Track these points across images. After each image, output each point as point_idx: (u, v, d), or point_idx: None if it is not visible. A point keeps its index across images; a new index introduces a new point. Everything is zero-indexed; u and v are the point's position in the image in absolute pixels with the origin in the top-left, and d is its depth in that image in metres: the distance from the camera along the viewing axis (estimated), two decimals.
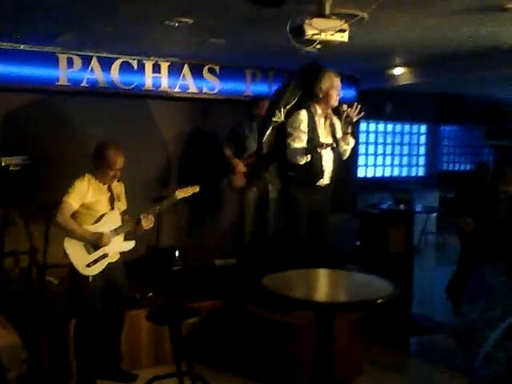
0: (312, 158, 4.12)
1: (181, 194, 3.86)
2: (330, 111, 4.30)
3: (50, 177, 4.99)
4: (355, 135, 4.49)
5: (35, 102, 5.32)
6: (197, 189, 3.94)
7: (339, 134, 4.28)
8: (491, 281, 1.48)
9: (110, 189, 3.70)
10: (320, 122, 4.25)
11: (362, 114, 4.14)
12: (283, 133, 4.25)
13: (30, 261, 4.68)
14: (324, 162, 4.21)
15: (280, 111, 4.31)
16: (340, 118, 4.25)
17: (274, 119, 4.33)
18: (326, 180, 4.27)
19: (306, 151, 4.08)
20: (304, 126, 4.14)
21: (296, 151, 4.10)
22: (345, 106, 4.15)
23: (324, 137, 4.24)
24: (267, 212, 5.37)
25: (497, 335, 1.40)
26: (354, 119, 4.14)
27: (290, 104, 4.31)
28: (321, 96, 4.18)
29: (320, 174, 4.21)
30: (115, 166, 3.60)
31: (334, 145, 4.18)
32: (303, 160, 4.09)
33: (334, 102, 4.20)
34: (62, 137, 5.40)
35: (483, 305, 1.48)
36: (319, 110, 4.24)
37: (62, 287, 4.58)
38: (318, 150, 4.07)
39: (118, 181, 3.77)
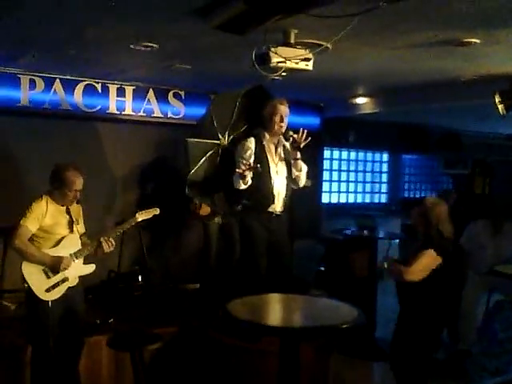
0: (261, 182, 4.13)
1: (141, 216, 3.85)
2: (281, 138, 4.33)
3: (8, 200, 4.87)
4: (317, 161, 4.51)
5: None
6: (157, 211, 3.92)
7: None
8: (497, 328, 1.50)
9: (68, 211, 3.62)
10: (270, 149, 4.28)
11: (309, 139, 4.17)
12: (231, 160, 4.25)
13: None
14: (275, 187, 4.22)
15: (224, 135, 4.32)
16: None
17: (216, 142, 4.34)
18: (278, 207, 4.26)
19: (240, 176, 4.02)
20: (251, 153, 4.16)
21: (235, 177, 4.08)
22: (291, 132, 4.19)
23: (275, 163, 4.27)
24: (232, 239, 5.34)
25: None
26: (302, 145, 4.16)
27: (239, 130, 4.34)
28: (264, 122, 4.23)
29: (270, 198, 4.20)
30: (74, 187, 3.52)
31: (258, 167, 4.06)
32: (241, 185, 4.04)
33: (278, 128, 4.22)
34: (20, 159, 5.28)
35: (482, 347, 1.49)
36: (268, 136, 4.28)
37: (19, 312, 4.43)
38: (246, 173, 3.97)
39: (77, 203, 3.70)
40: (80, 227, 3.71)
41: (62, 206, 3.58)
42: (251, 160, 4.11)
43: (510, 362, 1.34)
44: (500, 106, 4.58)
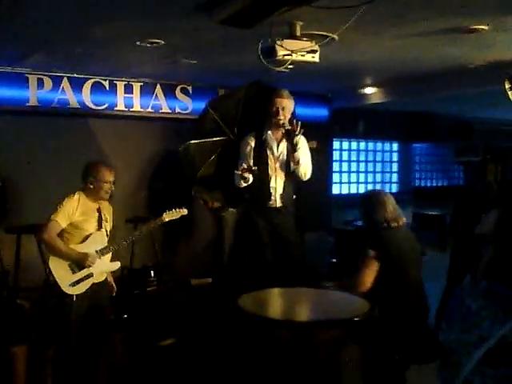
0: (259, 180, 4.20)
1: (168, 216, 3.83)
2: (283, 133, 4.26)
3: (20, 199, 4.91)
4: (326, 152, 4.49)
5: (4, 124, 5.24)
6: (185, 211, 3.89)
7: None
8: (469, 303, 1.45)
9: (99, 209, 3.66)
10: (271, 145, 4.29)
11: (302, 130, 4.13)
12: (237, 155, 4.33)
13: (1, 284, 4.57)
14: (272, 185, 4.26)
15: (233, 131, 4.36)
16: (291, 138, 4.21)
17: (223, 138, 4.37)
18: (277, 203, 4.28)
19: (239, 176, 4.16)
20: (250, 150, 4.24)
21: (235, 176, 4.20)
22: (286, 124, 4.16)
23: (274, 160, 4.28)
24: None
25: (473, 362, 1.38)
26: (297, 133, 4.11)
27: (248, 125, 4.37)
28: (267, 118, 4.25)
29: (267, 195, 4.25)
30: (108, 178, 3.58)
31: (254, 168, 4.14)
32: (241, 184, 4.20)
33: (276, 121, 4.21)
34: (32, 158, 5.31)
35: (460, 327, 1.45)
36: (270, 132, 4.29)
37: (33, 311, 4.48)
38: (245, 175, 4.12)
39: (110, 198, 3.73)
40: (108, 225, 3.76)
41: (95, 201, 3.63)
42: (251, 157, 4.21)
43: (491, 326, 1.30)
44: (510, 92, 4.53)
